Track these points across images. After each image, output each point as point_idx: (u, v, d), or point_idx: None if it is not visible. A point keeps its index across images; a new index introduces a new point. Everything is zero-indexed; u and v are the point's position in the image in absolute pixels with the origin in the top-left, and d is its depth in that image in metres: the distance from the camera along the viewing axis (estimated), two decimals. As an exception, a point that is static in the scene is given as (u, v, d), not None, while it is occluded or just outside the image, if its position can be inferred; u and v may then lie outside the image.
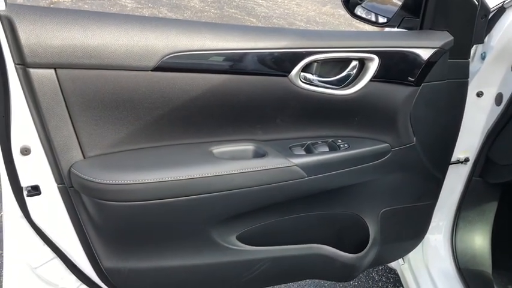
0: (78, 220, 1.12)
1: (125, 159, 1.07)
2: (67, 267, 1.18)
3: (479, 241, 1.65)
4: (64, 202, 1.09)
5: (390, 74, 1.20)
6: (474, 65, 1.45)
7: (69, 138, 1.02)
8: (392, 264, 1.84)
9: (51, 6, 5.36)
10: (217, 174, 1.09)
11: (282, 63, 1.11)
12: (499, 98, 1.47)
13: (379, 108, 1.23)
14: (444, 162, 1.44)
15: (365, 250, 1.39)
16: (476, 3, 1.21)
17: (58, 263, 1.17)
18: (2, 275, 1.83)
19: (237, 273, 1.29)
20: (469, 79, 1.32)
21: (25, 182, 1.03)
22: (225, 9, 6.57)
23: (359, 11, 1.49)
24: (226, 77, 1.08)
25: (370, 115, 1.25)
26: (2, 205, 1.82)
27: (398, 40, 1.21)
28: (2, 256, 1.22)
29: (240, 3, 6.95)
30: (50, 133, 1.00)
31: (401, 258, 1.71)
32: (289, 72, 1.12)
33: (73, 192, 1.07)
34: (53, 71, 0.95)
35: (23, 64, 0.93)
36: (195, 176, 1.07)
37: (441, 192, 1.50)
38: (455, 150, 1.44)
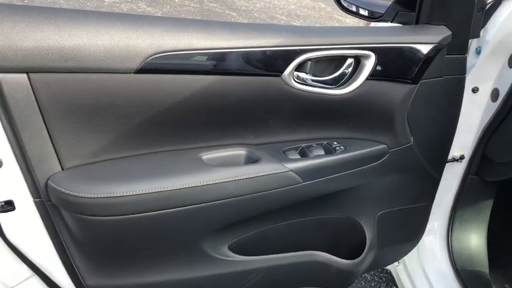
0: (58, 236, 1.03)
1: (107, 170, 0.99)
2: (47, 285, 1.09)
3: (475, 240, 1.62)
4: (41, 217, 1.00)
5: (387, 72, 1.14)
6: (469, 60, 1.40)
7: (45, 148, 0.93)
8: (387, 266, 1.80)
9: (25, 2, 5.17)
10: (207, 183, 1.01)
11: (274, 62, 1.04)
12: (495, 94, 1.43)
13: (376, 107, 1.18)
14: (441, 161, 1.39)
15: (362, 256, 1.33)
16: None
17: (36, 281, 1.08)
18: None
19: (229, 286, 1.22)
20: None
21: None
22: (204, 3, 6.46)
23: (349, 4, 1.43)
24: (215, 78, 1.01)
25: (367, 115, 1.19)
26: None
27: (395, 36, 1.14)
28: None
29: (220, -4, 6.85)
30: (23, 143, 0.91)
31: None
32: (282, 71, 1.05)
33: (51, 206, 0.98)
34: (25, 75, 0.86)
35: None
36: (184, 186, 0.99)
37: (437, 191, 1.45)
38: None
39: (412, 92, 1.18)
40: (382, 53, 1.11)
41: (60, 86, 0.89)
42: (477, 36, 1.32)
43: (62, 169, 0.96)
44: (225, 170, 1.05)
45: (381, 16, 1.29)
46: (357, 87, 1.12)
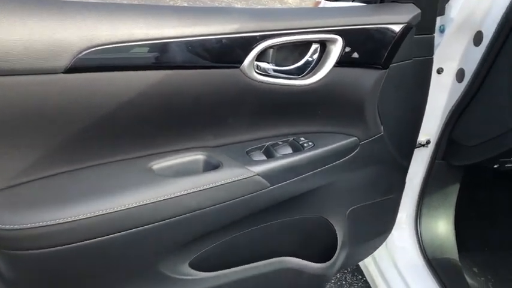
0: None
1: (38, 192, 0.81)
2: None
3: (443, 227, 1.57)
4: None
5: (355, 57, 1.02)
6: None
7: None
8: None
9: None
10: (160, 198, 0.86)
11: (232, 51, 0.89)
12: (460, 74, 1.35)
13: (345, 97, 1.06)
14: (410, 149, 1.31)
15: (334, 257, 1.23)
16: None
17: None
18: None
19: None
20: None
21: None
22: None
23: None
24: (163, 74, 0.85)
25: (335, 106, 1.07)
26: None
27: (362, 16, 1.03)
28: None
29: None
30: None
31: None
32: (241, 62, 0.90)
33: None
34: None
35: None
36: (133, 205, 0.83)
37: None
38: None
39: (382, 77, 1.07)
40: (349, 37, 0.99)
41: None
42: (442, 13, 1.23)
43: None
44: (180, 180, 0.90)
45: (342, -5, 1.18)
46: (324, 76, 1.00)
